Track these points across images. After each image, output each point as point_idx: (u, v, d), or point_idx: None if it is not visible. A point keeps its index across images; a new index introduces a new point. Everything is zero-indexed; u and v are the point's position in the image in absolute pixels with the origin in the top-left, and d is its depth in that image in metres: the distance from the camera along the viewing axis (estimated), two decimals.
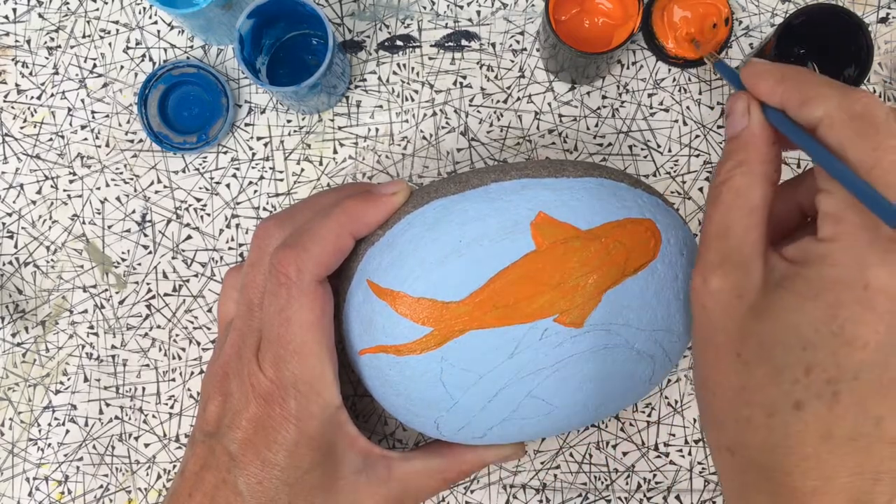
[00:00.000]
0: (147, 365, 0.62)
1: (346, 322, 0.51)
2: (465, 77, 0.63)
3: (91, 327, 0.63)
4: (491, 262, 0.47)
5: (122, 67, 0.64)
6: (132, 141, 0.63)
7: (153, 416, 0.62)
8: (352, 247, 0.50)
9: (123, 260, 0.63)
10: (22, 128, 0.63)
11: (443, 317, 0.47)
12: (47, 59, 0.64)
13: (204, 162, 0.63)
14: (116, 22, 0.64)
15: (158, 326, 0.62)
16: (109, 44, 0.64)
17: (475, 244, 0.47)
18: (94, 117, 0.63)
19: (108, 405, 0.62)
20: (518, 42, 0.63)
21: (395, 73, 0.63)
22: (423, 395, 0.50)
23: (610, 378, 0.51)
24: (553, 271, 0.47)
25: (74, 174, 0.63)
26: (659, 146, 0.62)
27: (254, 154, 0.63)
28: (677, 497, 0.61)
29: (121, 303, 0.63)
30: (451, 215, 0.48)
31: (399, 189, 0.50)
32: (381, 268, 0.48)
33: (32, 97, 0.64)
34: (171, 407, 0.62)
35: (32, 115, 0.63)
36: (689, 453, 0.61)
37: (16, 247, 0.63)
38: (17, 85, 0.64)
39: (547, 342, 0.48)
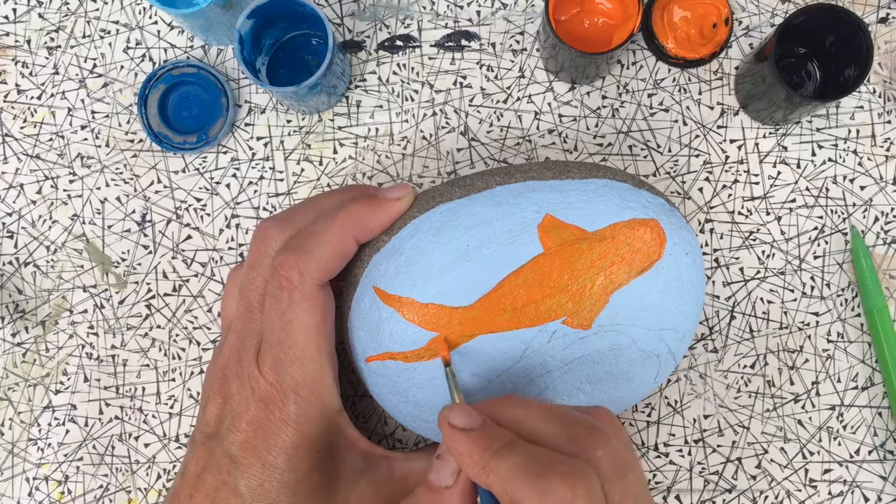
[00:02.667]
0: (147, 365, 0.62)
1: (352, 329, 0.51)
2: (465, 77, 0.63)
3: (91, 327, 0.62)
4: (499, 266, 0.47)
5: (122, 67, 0.64)
6: (132, 141, 0.63)
7: (153, 416, 0.62)
8: (355, 251, 0.50)
9: (123, 260, 0.63)
10: (22, 128, 0.63)
11: (451, 322, 0.47)
12: (47, 59, 0.64)
13: (204, 162, 0.63)
14: (116, 22, 0.64)
15: (158, 326, 0.62)
16: (109, 44, 0.64)
17: (482, 248, 0.47)
18: (94, 117, 0.63)
19: (108, 405, 0.62)
20: (518, 42, 0.63)
21: (395, 73, 0.63)
22: (432, 400, 0.50)
23: (617, 378, 0.51)
24: (561, 274, 0.47)
25: (74, 174, 0.63)
26: (659, 146, 0.62)
27: (254, 154, 0.63)
28: (677, 497, 0.61)
29: (121, 303, 0.63)
30: (458, 219, 0.48)
31: (404, 194, 0.50)
32: (387, 274, 0.48)
33: (32, 97, 0.63)
34: (171, 407, 0.62)
35: (32, 115, 0.63)
36: (689, 453, 0.61)
37: (16, 247, 0.63)
38: (17, 85, 0.64)
39: (555, 344, 0.48)
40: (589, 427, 0.41)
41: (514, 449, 0.39)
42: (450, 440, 0.41)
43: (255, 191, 0.63)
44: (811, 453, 0.61)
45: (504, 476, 0.39)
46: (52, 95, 0.63)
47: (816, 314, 0.61)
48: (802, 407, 0.61)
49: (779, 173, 0.62)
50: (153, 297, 0.63)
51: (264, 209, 0.62)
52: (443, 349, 0.48)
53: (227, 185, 0.63)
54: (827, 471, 0.61)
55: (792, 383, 0.61)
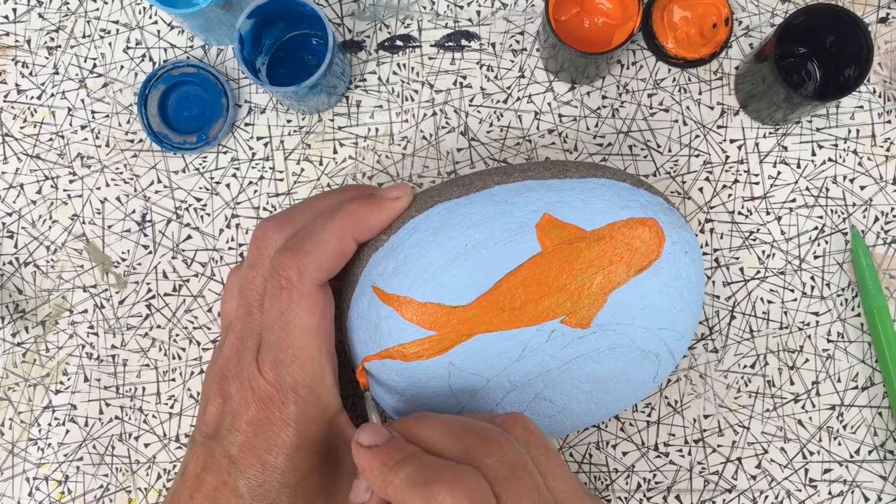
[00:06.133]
0: (147, 365, 0.62)
1: (351, 328, 0.51)
2: (465, 77, 0.63)
3: (91, 327, 0.63)
4: (497, 265, 0.47)
5: (122, 67, 0.64)
6: (132, 141, 0.63)
7: (153, 416, 0.62)
8: (354, 250, 0.50)
9: (123, 260, 0.63)
10: (22, 128, 0.63)
11: (450, 321, 0.47)
12: (47, 59, 0.64)
13: (204, 162, 0.63)
14: (116, 22, 0.64)
15: (158, 326, 0.62)
16: (109, 44, 0.64)
17: (481, 247, 0.47)
18: (94, 117, 0.63)
19: (108, 405, 0.62)
20: (518, 42, 0.63)
21: (395, 73, 0.63)
22: (431, 400, 0.50)
23: (616, 377, 0.51)
24: (559, 273, 0.47)
25: (74, 174, 0.63)
26: (659, 146, 0.62)
27: (254, 154, 0.63)
28: (677, 497, 0.61)
29: (121, 303, 0.63)
30: (456, 219, 0.48)
31: (403, 193, 0.50)
32: (386, 273, 0.49)
33: (32, 97, 0.63)
34: (171, 407, 0.62)
35: (32, 115, 0.63)
36: (689, 453, 0.61)
37: (16, 247, 0.63)
38: (17, 85, 0.64)
39: (554, 344, 0.48)
40: (483, 436, 0.43)
41: (409, 461, 0.42)
42: (356, 457, 0.43)
43: (255, 191, 0.63)
44: (811, 453, 0.61)
45: (398, 487, 0.41)
46: (52, 95, 0.63)
47: (816, 314, 0.61)
48: (802, 407, 0.61)
49: (779, 173, 0.62)
50: (153, 297, 0.63)
51: (264, 209, 0.62)
52: (362, 376, 0.50)
53: (227, 185, 0.63)
54: (827, 471, 0.61)
55: (792, 383, 0.61)
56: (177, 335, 0.62)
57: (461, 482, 0.39)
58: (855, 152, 0.62)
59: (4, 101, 0.64)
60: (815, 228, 0.62)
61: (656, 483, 0.61)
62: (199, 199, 0.63)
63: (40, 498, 0.62)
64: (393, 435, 0.44)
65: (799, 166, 0.62)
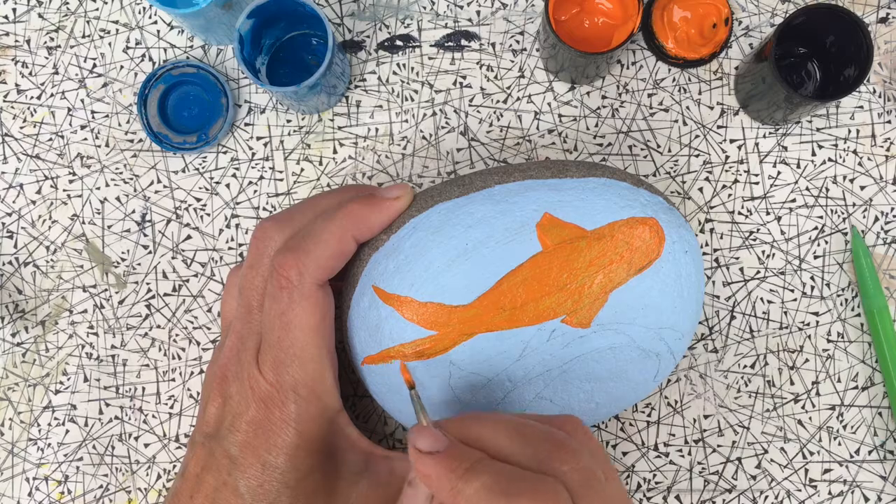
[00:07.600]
0: (147, 365, 0.62)
1: (351, 328, 0.51)
2: (464, 77, 0.63)
3: (91, 327, 0.62)
4: (497, 265, 0.47)
5: (121, 67, 0.64)
6: (132, 141, 0.63)
7: (153, 416, 0.62)
8: (354, 250, 0.50)
9: (123, 260, 0.63)
10: (22, 128, 0.63)
11: (450, 321, 0.47)
12: (47, 59, 0.64)
13: (204, 162, 0.63)
14: (116, 22, 0.64)
15: (158, 326, 0.62)
16: (109, 44, 0.64)
17: (481, 247, 0.47)
18: (93, 117, 0.63)
19: (107, 405, 0.62)
20: (518, 42, 0.63)
21: (394, 73, 0.63)
22: (432, 400, 0.50)
23: (616, 377, 0.51)
24: (560, 272, 0.47)
25: (74, 174, 0.63)
26: (659, 146, 0.62)
27: (253, 154, 0.63)
28: (677, 497, 0.61)
29: (121, 303, 0.63)
30: (456, 218, 0.48)
31: (402, 193, 0.50)
32: (386, 273, 0.49)
33: (32, 97, 0.63)
34: (171, 407, 0.62)
35: (32, 115, 0.63)
36: (689, 453, 0.61)
37: (16, 247, 0.63)
38: (16, 85, 0.64)
39: (554, 343, 0.48)
40: (555, 441, 0.41)
41: (480, 470, 0.39)
42: (417, 464, 0.41)
43: (255, 191, 0.63)
44: (811, 453, 0.61)
45: (471, 498, 0.39)
46: (52, 95, 0.63)
47: (816, 314, 0.61)
48: (802, 407, 0.61)
49: (779, 173, 0.62)
50: (153, 297, 0.63)
51: (264, 209, 0.62)
52: (405, 372, 0.48)
53: (227, 185, 0.63)
54: (827, 471, 0.61)
55: (792, 383, 0.61)
56: (177, 335, 0.62)
57: (545, 494, 0.38)
58: (855, 152, 0.62)
59: (4, 101, 0.64)
60: (815, 228, 0.62)
61: (656, 483, 0.61)
62: (198, 199, 0.63)
63: (40, 498, 0.62)
64: (451, 439, 0.41)
65: (799, 166, 0.62)
